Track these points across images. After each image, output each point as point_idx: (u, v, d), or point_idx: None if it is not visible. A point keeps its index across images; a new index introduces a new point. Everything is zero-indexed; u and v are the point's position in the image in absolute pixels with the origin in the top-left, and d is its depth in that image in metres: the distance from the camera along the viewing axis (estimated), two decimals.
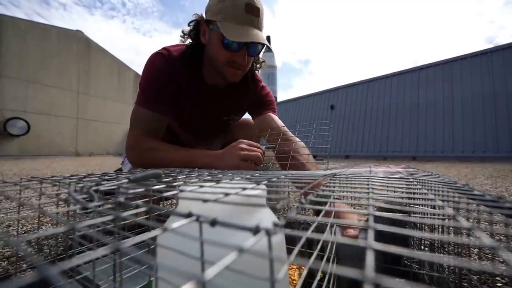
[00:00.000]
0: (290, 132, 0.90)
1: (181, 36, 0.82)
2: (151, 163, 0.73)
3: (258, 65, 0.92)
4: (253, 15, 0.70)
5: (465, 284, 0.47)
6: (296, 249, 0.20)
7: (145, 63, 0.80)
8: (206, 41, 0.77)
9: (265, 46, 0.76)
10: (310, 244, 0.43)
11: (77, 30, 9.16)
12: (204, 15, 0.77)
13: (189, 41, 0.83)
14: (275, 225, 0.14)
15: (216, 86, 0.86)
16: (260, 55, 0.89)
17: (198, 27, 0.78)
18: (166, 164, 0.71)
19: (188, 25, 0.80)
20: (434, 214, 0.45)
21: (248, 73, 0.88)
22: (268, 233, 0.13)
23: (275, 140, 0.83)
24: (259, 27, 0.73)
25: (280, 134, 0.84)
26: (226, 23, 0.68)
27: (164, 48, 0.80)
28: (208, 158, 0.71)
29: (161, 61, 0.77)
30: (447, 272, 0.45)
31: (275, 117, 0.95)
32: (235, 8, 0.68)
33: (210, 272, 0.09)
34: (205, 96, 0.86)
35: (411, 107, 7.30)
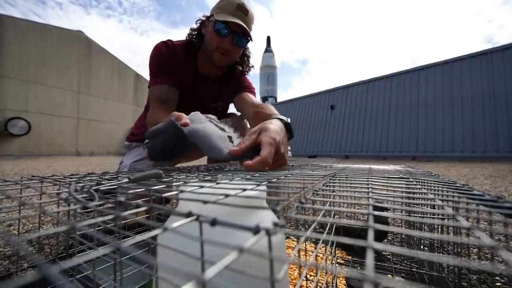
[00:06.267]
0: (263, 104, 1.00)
1: (188, 34, 0.98)
2: None
3: (246, 68, 1.07)
4: (242, 12, 0.87)
5: (465, 284, 0.47)
6: (297, 248, 0.20)
7: (151, 53, 0.94)
8: (205, 32, 0.94)
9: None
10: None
11: (77, 30, 9.16)
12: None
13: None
14: (275, 224, 0.14)
15: (208, 76, 1.01)
16: (252, 63, 1.07)
17: (203, 24, 0.96)
18: None
19: (196, 23, 0.98)
20: (433, 214, 0.45)
21: (237, 69, 1.05)
22: (268, 233, 0.13)
23: (251, 114, 0.97)
24: (246, 22, 0.88)
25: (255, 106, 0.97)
26: (220, 14, 0.86)
27: (167, 39, 0.96)
28: None
29: (163, 46, 0.93)
30: (446, 272, 0.45)
31: (250, 95, 1.06)
32: (229, 5, 0.87)
33: (210, 272, 0.09)
34: (197, 83, 1.01)
35: (411, 107, 7.30)
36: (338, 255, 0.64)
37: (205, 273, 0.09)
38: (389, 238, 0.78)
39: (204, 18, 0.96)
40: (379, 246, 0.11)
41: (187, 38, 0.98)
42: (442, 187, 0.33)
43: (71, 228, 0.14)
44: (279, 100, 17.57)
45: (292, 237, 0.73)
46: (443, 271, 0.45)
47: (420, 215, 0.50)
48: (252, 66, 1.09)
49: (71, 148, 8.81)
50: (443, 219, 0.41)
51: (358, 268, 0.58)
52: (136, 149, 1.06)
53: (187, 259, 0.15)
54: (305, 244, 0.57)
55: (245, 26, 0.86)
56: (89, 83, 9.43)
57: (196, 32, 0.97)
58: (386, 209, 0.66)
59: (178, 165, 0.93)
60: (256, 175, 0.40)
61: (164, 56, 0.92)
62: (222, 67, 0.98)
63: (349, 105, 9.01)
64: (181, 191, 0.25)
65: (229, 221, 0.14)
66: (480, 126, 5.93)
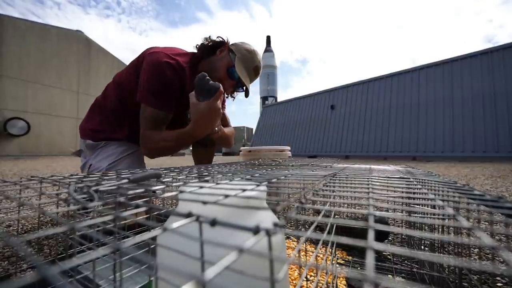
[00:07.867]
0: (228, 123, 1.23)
1: (205, 39, 1.02)
2: (161, 151, 0.90)
3: (231, 96, 1.17)
4: (255, 74, 1.02)
5: (465, 284, 0.47)
6: (297, 248, 0.20)
7: (150, 64, 0.88)
8: (219, 55, 0.99)
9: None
10: None
11: (77, 30, 9.16)
12: (229, 42, 1.02)
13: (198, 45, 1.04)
14: (275, 225, 0.14)
15: None
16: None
17: (220, 44, 1.01)
18: (171, 147, 0.89)
19: (217, 37, 1.03)
20: (434, 214, 0.45)
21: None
22: (268, 233, 0.13)
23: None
24: (253, 81, 1.04)
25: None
26: (241, 65, 0.96)
27: (169, 56, 0.91)
28: (198, 126, 0.83)
29: (170, 71, 0.89)
30: (447, 272, 0.45)
31: (226, 113, 1.24)
32: (250, 62, 0.98)
33: (210, 272, 0.09)
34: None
35: (411, 107, 7.30)
36: (338, 255, 0.64)
37: (205, 273, 0.09)
38: (390, 238, 0.78)
39: (225, 41, 1.01)
40: (379, 246, 0.11)
41: (198, 46, 1.00)
42: (443, 187, 0.33)
43: (70, 228, 0.14)
44: (279, 100, 17.59)
45: (292, 238, 0.73)
46: (443, 271, 0.45)
47: (420, 215, 0.50)
48: (233, 98, 1.17)
49: (70, 148, 8.81)
50: (443, 219, 0.41)
51: (358, 268, 0.58)
52: (105, 148, 0.97)
53: (187, 260, 0.14)
54: (305, 244, 0.57)
55: (249, 86, 1.00)
56: (88, 83, 9.43)
57: (211, 44, 1.00)
58: (387, 210, 0.66)
59: (178, 165, 0.93)
60: (256, 175, 0.40)
61: (169, 81, 0.89)
62: None
63: (349, 105, 9.01)
64: (181, 192, 0.25)
65: (229, 222, 0.14)
66: (480, 126, 5.93)
